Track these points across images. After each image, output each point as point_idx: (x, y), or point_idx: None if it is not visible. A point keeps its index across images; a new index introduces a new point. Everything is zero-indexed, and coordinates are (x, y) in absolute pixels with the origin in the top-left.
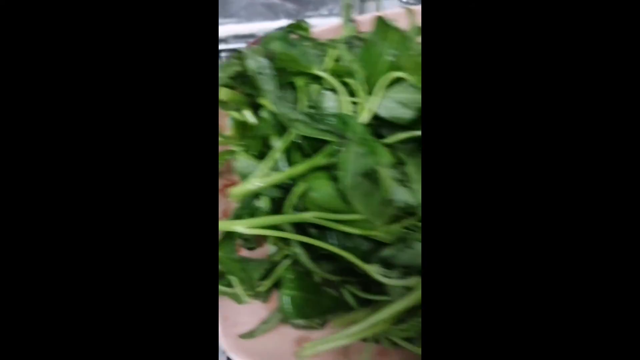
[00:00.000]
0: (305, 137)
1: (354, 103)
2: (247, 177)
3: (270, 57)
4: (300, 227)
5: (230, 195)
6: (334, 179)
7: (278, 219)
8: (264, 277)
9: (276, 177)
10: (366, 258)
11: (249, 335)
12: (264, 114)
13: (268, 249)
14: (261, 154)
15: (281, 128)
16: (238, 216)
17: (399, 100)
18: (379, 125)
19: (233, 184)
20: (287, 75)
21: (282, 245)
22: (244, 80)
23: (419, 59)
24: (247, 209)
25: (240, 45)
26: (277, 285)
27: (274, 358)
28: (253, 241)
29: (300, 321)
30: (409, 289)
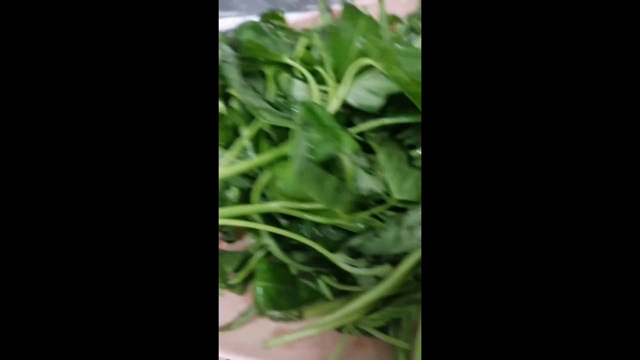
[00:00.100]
0: (274, 127)
1: (324, 91)
2: None
3: (237, 46)
4: (272, 218)
5: None
6: None
7: (245, 210)
8: (238, 269)
9: (242, 166)
10: (336, 248)
11: (227, 328)
12: (233, 103)
13: (249, 241)
14: (230, 144)
15: (250, 117)
16: None
17: (368, 87)
18: (352, 114)
19: None
20: (257, 64)
21: (254, 237)
22: None
23: (388, 45)
24: None
25: None
26: (252, 277)
27: (251, 350)
28: (232, 234)
29: (276, 313)
30: (378, 279)
